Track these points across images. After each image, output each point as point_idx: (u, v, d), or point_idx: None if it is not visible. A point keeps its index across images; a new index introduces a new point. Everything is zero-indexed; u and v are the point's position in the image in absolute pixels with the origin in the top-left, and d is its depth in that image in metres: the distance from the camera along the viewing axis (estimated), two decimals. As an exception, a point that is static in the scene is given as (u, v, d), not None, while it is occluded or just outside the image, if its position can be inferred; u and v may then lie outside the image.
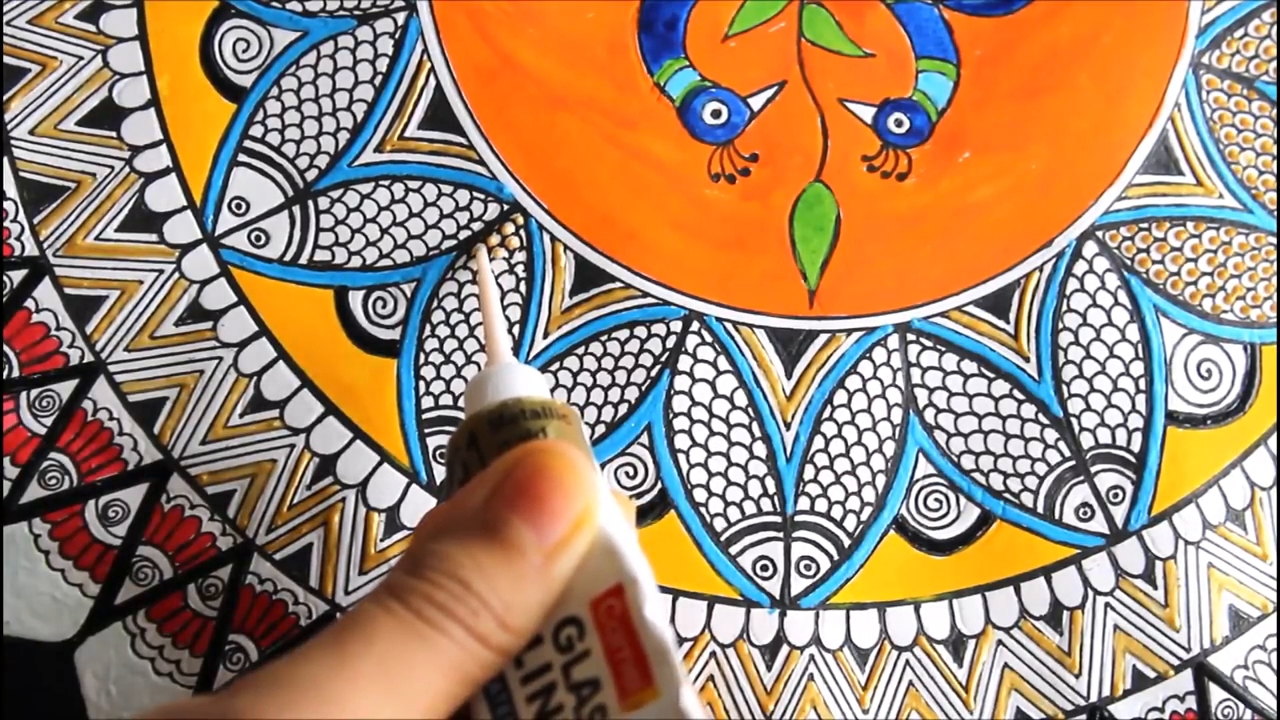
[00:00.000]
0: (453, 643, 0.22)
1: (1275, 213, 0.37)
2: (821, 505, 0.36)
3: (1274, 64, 0.38)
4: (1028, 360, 0.37)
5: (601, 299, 0.37)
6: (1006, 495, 0.36)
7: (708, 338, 0.37)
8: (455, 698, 0.22)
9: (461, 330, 0.36)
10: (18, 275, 0.36)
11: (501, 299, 0.36)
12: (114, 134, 0.37)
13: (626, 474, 0.36)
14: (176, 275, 0.36)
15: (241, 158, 0.37)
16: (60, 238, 0.36)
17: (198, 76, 0.37)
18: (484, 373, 0.28)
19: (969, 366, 0.37)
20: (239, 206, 0.37)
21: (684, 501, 0.36)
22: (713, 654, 0.36)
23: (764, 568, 0.36)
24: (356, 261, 0.37)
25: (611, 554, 0.23)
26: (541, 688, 0.23)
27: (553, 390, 0.36)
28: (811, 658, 0.36)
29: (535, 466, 0.24)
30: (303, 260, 0.37)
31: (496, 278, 0.36)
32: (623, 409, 0.36)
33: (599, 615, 0.23)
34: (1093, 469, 0.36)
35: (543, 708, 0.23)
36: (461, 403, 0.36)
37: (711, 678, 0.36)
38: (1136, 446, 0.37)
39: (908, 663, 0.36)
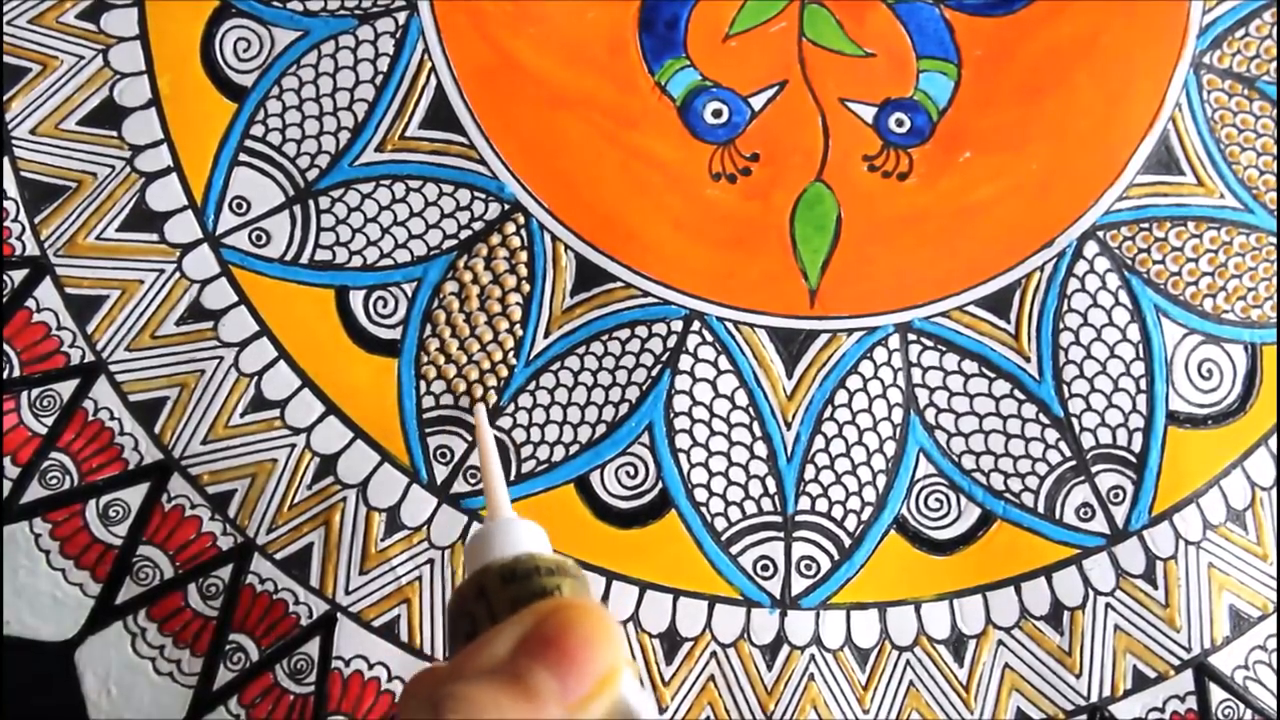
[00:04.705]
0: None
1: (1276, 213, 0.37)
2: (822, 505, 0.36)
3: (1275, 64, 0.38)
4: (1028, 360, 0.37)
5: (602, 298, 0.37)
6: (1007, 495, 0.36)
7: (708, 337, 0.37)
8: None
9: (463, 330, 0.36)
10: (18, 275, 0.36)
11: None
12: (115, 133, 0.37)
13: (627, 474, 0.36)
14: (177, 275, 0.36)
15: (242, 157, 0.37)
16: (61, 237, 0.36)
17: (199, 76, 0.37)
18: (487, 526, 0.28)
19: (970, 366, 0.37)
20: (240, 206, 0.37)
21: (685, 501, 0.36)
22: (713, 654, 0.36)
23: (764, 567, 0.36)
24: (357, 261, 0.37)
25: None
26: None
27: (552, 391, 0.36)
28: (812, 658, 0.36)
29: (566, 622, 0.24)
30: (304, 260, 0.37)
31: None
32: (623, 408, 0.36)
33: None
34: (1093, 469, 0.36)
35: None
36: (463, 402, 0.36)
37: (712, 678, 0.36)
38: (1137, 446, 0.37)
39: (908, 663, 0.36)
